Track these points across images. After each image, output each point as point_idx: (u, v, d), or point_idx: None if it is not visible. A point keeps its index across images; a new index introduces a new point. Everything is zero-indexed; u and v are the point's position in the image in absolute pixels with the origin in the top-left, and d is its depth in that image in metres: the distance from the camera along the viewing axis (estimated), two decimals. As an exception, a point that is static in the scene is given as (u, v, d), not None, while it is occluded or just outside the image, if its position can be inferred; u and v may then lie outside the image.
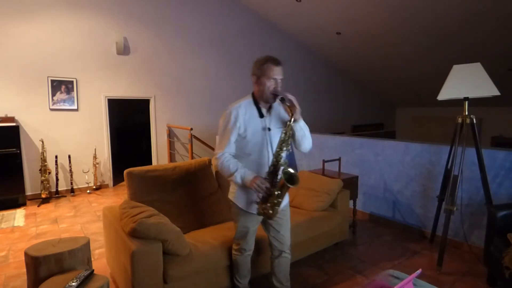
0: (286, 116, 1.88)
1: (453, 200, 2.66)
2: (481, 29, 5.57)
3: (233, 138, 1.82)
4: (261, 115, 1.85)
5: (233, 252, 2.10)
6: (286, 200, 1.97)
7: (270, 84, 1.78)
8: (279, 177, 1.76)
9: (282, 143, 1.74)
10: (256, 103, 1.86)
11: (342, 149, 4.32)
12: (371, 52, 7.68)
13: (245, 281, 2.14)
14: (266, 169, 1.82)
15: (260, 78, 1.79)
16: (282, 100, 1.77)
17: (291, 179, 1.68)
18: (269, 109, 1.88)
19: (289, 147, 1.80)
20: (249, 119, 1.82)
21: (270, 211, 1.76)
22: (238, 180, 1.77)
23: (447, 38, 6.14)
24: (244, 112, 1.82)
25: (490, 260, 2.35)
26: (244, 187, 1.82)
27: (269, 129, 1.85)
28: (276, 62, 1.79)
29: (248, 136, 1.82)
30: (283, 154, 1.76)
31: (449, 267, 2.76)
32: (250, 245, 2.04)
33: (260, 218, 1.95)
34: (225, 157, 1.82)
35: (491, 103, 8.06)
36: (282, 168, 1.74)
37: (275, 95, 1.78)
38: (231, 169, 1.78)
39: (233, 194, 1.94)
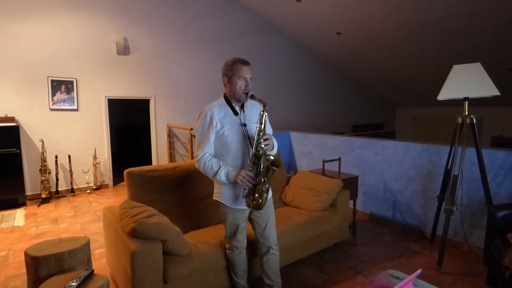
0: (258, 110, 1.97)
1: (453, 200, 2.66)
2: (481, 29, 5.57)
3: (212, 137, 1.89)
4: (236, 113, 1.93)
5: (227, 251, 2.13)
6: (263, 198, 2.02)
7: (241, 83, 1.87)
8: (262, 166, 1.84)
9: (259, 132, 1.82)
10: (229, 103, 1.94)
11: (342, 149, 4.32)
12: (371, 52, 7.68)
13: (242, 281, 2.15)
14: (246, 163, 1.91)
15: (231, 78, 1.88)
16: (252, 97, 1.88)
17: (274, 163, 1.79)
18: (242, 107, 1.96)
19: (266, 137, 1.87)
20: (224, 117, 1.90)
21: (260, 200, 1.84)
22: (223, 177, 1.84)
23: (447, 38, 6.14)
24: (218, 111, 1.90)
25: (490, 260, 2.35)
26: (229, 183, 1.90)
27: (245, 125, 1.93)
28: (245, 62, 1.90)
29: (226, 132, 1.89)
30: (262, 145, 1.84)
31: (449, 267, 2.76)
32: (242, 242, 2.07)
33: (247, 213, 2.03)
34: (206, 157, 1.87)
35: (491, 103, 8.07)
36: (263, 156, 1.83)
37: (246, 93, 1.88)
38: (214, 168, 1.84)
39: (219, 194, 2.00)
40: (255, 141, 1.83)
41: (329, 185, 2.96)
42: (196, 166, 1.92)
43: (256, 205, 1.86)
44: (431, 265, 2.79)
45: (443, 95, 2.81)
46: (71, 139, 5.32)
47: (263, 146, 1.80)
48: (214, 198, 2.05)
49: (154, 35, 6.00)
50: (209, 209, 2.67)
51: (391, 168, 3.76)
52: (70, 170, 5.24)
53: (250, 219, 2.08)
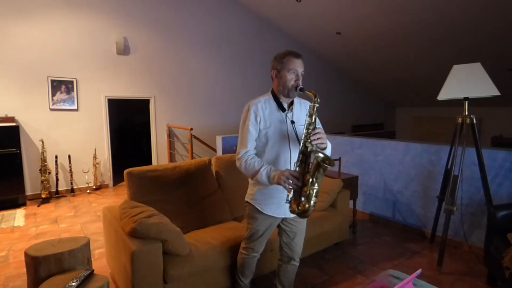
0: (307, 111, 1.73)
1: (453, 200, 2.66)
2: (481, 29, 5.57)
3: (255, 134, 1.75)
4: (283, 109, 1.78)
5: (241, 250, 2.03)
6: (311, 202, 1.80)
7: (291, 77, 1.73)
8: (310, 164, 1.59)
9: (308, 125, 1.61)
10: (276, 98, 1.80)
11: (342, 149, 4.32)
12: (371, 52, 7.68)
13: (247, 281, 2.12)
14: (289, 164, 1.75)
15: (281, 71, 1.75)
16: (302, 89, 1.71)
17: (325, 160, 1.51)
18: (291, 104, 1.81)
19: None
20: (270, 113, 1.76)
21: (307, 205, 1.54)
22: (264, 177, 1.64)
23: (447, 38, 6.14)
24: (264, 107, 1.76)
25: (490, 260, 2.35)
26: (264, 187, 1.75)
27: (293, 122, 1.78)
28: (297, 54, 1.75)
29: (270, 131, 1.75)
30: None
31: (449, 267, 2.76)
32: (259, 248, 1.96)
33: (277, 221, 1.88)
34: (249, 155, 1.73)
35: (491, 103, 8.06)
36: (312, 153, 1.59)
37: (296, 88, 1.73)
38: (256, 167, 1.67)
39: (251, 196, 1.87)
40: (303, 136, 1.60)
41: (329, 185, 2.96)
42: (237, 164, 1.76)
43: (302, 211, 1.56)
44: (431, 265, 2.79)
45: (443, 95, 2.81)
46: (71, 139, 5.32)
47: (312, 140, 1.56)
48: (246, 199, 1.91)
49: (154, 35, 6.00)
50: (209, 209, 2.67)
51: (391, 168, 3.76)
52: (70, 170, 5.24)
53: (278, 226, 1.94)
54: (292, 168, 1.65)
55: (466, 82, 2.70)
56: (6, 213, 4.26)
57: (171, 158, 6.29)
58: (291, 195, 1.61)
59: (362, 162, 4.07)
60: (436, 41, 6.35)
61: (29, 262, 1.80)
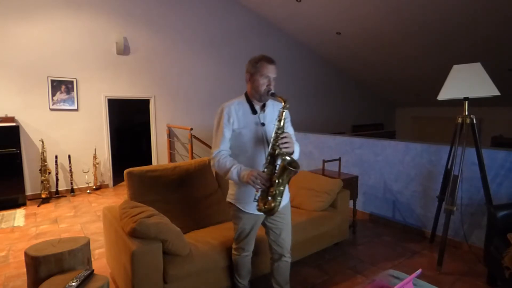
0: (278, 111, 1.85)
1: (453, 200, 2.66)
2: (481, 29, 5.57)
3: (228, 134, 1.82)
4: (254, 112, 1.86)
5: (233, 252, 2.10)
6: (286, 199, 1.94)
7: (263, 82, 1.80)
8: (278, 166, 1.69)
9: (277, 130, 1.71)
10: (249, 101, 1.87)
11: (342, 149, 4.32)
12: (371, 52, 7.68)
13: (245, 281, 2.13)
14: (261, 165, 1.79)
15: (254, 75, 1.82)
16: (273, 94, 1.79)
17: (291, 163, 1.62)
18: (263, 107, 1.89)
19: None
20: (243, 115, 1.83)
21: (273, 204, 1.66)
22: (235, 175, 1.73)
23: (447, 38, 6.14)
24: (237, 109, 1.84)
25: (490, 260, 2.35)
26: (241, 183, 1.79)
27: (263, 124, 1.85)
28: (270, 60, 1.82)
29: (243, 131, 1.82)
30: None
31: (449, 267, 2.76)
32: (249, 247, 2.02)
33: (261, 219, 1.93)
34: (221, 154, 1.81)
35: (491, 103, 8.06)
36: (279, 155, 1.68)
37: (268, 92, 1.80)
38: (228, 165, 1.75)
39: (232, 196, 1.93)
40: (272, 139, 1.70)
41: (329, 185, 2.96)
42: (211, 163, 1.85)
43: (268, 210, 1.68)
44: (431, 265, 2.79)
45: (443, 95, 2.81)
46: (71, 139, 5.32)
47: (280, 144, 1.65)
48: (227, 199, 1.98)
49: (154, 35, 6.00)
50: (209, 209, 2.67)
51: (391, 168, 3.76)
52: (70, 170, 5.24)
53: (264, 225, 1.99)
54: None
55: (466, 82, 2.70)
56: (6, 213, 4.26)
57: (171, 158, 6.29)
58: (258, 194, 1.70)
59: (362, 162, 4.07)
60: (436, 41, 6.35)
61: (29, 262, 1.80)
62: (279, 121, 1.71)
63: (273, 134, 1.71)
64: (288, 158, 1.62)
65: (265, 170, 1.70)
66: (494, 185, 2.91)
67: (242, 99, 1.89)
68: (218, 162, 1.79)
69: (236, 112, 1.83)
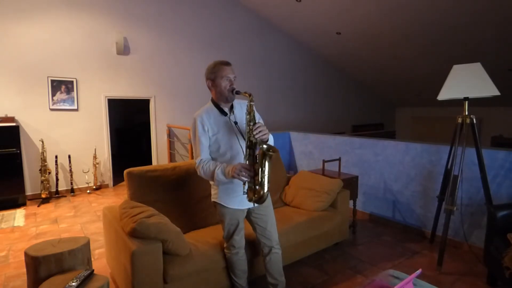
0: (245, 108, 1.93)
1: (453, 200, 2.66)
2: (481, 29, 5.57)
3: (206, 142, 1.91)
4: (225, 114, 1.93)
5: (225, 250, 2.13)
6: (265, 188, 1.97)
7: (225, 83, 1.87)
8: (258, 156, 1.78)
9: (249, 122, 1.77)
10: (217, 105, 1.94)
11: (342, 149, 4.32)
12: (371, 52, 7.69)
13: (241, 281, 2.14)
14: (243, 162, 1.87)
15: (215, 80, 1.89)
16: (237, 92, 1.87)
17: (269, 149, 1.72)
18: (231, 108, 1.96)
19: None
20: (214, 120, 1.91)
21: (262, 192, 1.75)
22: (220, 175, 1.81)
23: (447, 38, 6.14)
24: (208, 116, 1.91)
25: (490, 260, 2.35)
26: (226, 184, 1.89)
27: (236, 123, 1.92)
28: (225, 62, 1.92)
29: (219, 135, 1.90)
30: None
31: (449, 267, 2.76)
32: (240, 242, 2.07)
33: (244, 214, 2.02)
34: (204, 161, 1.89)
35: (491, 103, 8.06)
36: (257, 144, 1.78)
37: (232, 91, 1.87)
38: (211, 168, 1.84)
39: (216, 195, 2.01)
40: (246, 132, 1.78)
41: (329, 185, 2.96)
42: (197, 172, 1.92)
43: (259, 198, 1.77)
44: (431, 265, 2.79)
45: (443, 95, 2.81)
46: (71, 139, 5.32)
47: (255, 134, 1.73)
48: (212, 199, 2.06)
49: (154, 35, 6.00)
50: (209, 209, 2.67)
51: (391, 168, 3.76)
52: (70, 170, 5.24)
53: (250, 221, 2.09)
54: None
55: (466, 82, 2.70)
56: (6, 213, 4.26)
57: (171, 158, 6.29)
58: (246, 187, 1.78)
59: (362, 162, 4.07)
60: (436, 41, 6.35)
61: (29, 262, 1.80)
62: (249, 114, 1.78)
63: (246, 128, 1.78)
64: (265, 145, 1.72)
65: (247, 161, 1.78)
66: (494, 185, 2.91)
67: (210, 105, 1.97)
68: (202, 169, 1.87)
69: (208, 119, 1.90)
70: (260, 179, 1.75)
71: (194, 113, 2.02)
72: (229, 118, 1.93)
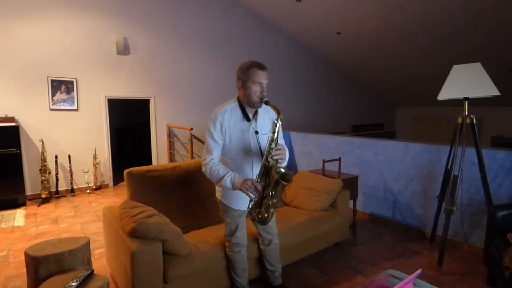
0: (271, 119, 1.90)
1: (453, 200, 2.66)
2: (481, 30, 5.57)
3: (220, 142, 1.83)
4: (248, 119, 1.85)
5: (226, 249, 2.13)
6: (270, 213, 1.97)
7: (256, 89, 1.79)
8: (271, 179, 1.73)
9: (271, 142, 1.72)
10: (242, 108, 1.86)
11: (342, 149, 4.32)
12: (371, 52, 7.68)
13: (242, 280, 2.15)
14: (251, 174, 1.85)
15: (246, 82, 1.80)
16: (266, 102, 1.79)
17: (284, 177, 1.65)
18: (255, 114, 1.89)
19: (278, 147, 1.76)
20: (235, 123, 1.84)
21: (266, 215, 1.73)
22: (228, 183, 1.75)
23: (447, 38, 6.14)
24: (229, 117, 1.83)
25: (490, 260, 2.35)
26: (232, 190, 1.82)
27: (257, 132, 1.85)
28: (261, 66, 1.81)
29: (234, 140, 1.84)
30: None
31: (449, 267, 2.76)
32: (242, 240, 2.07)
33: (246, 213, 2.00)
34: (214, 162, 1.82)
35: (491, 103, 8.06)
36: (273, 167, 1.72)
37: (261, 99, 1.79)
38: (220, 174, 1.77)
39: (220, 192, 2.01)
40: (266, 151, 1.73)
41: (329, 185, 2.96)
42: (203, 169, 1.85)
43: (261, 220, 1.76)
44: (431, 265, 2.79)
45: (443, 95, 2.81)
46: (71, 139, 5.32)
47: (274, 157, 1.68)
48: (216, 196, 2.07)
49: (154, 35, 6.00)
50: (209, 209, 2.67)
51: (391, 168, 3.76)
52: (70, 170, 5.24)
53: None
54: (254, 178, 1.78)
55: (466, 82, 2.70)
56: (6, 213, 4.26)
57: (171, 158, 6.29)
58: (252, 203, 1.76)
59: (362, 162, 4.07)
60: (436, 41, 6.35)
61: (29, 262, 1.80)
62: (273, 132, 1.72)
63: (267, 146, 1.73)
64: (282, 170, 1.66)
65: (259, 180, 1.73)
66: (494, 185, 2.91)
67: (235, 105, 1.88)
68: (210, 169, 1.80)
69: (229, 121, 1.82)
70: (267, 203, 1.72)
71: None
72: (251, 125, 1.86)
